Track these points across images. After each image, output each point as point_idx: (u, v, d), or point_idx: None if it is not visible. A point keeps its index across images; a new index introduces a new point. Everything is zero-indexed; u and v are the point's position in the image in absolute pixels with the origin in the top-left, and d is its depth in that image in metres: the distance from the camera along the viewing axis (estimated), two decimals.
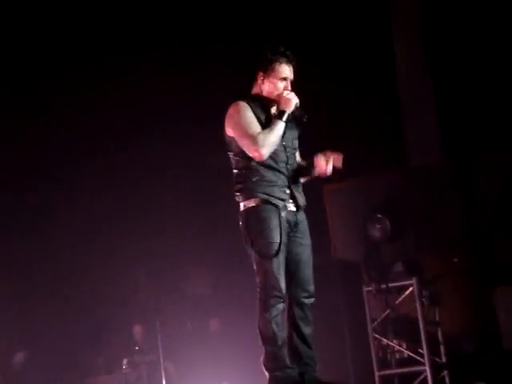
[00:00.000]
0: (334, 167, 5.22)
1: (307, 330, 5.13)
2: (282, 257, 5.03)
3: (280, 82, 5.16)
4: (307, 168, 5.26)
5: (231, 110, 5.14)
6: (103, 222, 10.26)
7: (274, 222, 5.03)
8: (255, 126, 5.08)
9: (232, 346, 9.50)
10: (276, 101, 5.18)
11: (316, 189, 9.44)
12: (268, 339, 4.99)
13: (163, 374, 8.97)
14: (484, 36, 9.92)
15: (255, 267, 5.07)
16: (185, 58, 10.17)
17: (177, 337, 9.88)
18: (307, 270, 5.17)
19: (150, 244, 10.34)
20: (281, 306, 5.02)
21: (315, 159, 5.20)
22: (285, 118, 5.09)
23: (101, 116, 10.36)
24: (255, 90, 5.24)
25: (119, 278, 10.32)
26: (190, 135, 10.21)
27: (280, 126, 5.08)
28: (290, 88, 5.18)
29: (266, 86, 5.18)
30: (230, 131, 5.15)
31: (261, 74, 5.18)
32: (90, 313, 10.30)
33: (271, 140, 5.04)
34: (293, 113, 5.18)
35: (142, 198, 10.32)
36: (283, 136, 5.16)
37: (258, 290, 5.04)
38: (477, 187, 9.64)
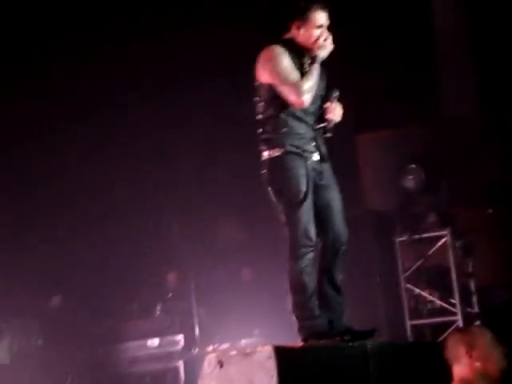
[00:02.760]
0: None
1: (339, 276, 5.16)
2: (309, 205, 5.03)
3: (316, 30, 5.11)
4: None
5: (267, 55, 5.08)
6: (138, 170, 10.31)
7: (301, 171, 5.05)
8: (295, 73, 5.06)
9: (263, 294, 9.57)
10: (310, 49, 5.13)
11: (349, 139, 9.41)
12: (298, 289, 5.02)
13: (196, 320, 9.07)
14: None
15: (283, 217, 5.07)
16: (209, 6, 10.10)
17: (210, 285, 9.95)
18: (339, 216, 5.17)
19: (183, 193, 10.38)
20: (311, 254, 5.03)
21: (328, 106, 5.17)
22: (318, 62, 5.06)
23: (120, 64, 10.34)
24: (287, 36, 5.19)
25: (152, 225, 10.40)
26: (216, 84, 10.15)
27: (316, 71, 5.06)
28: (325, 34, 5.13)
29: (301, 35, 5.12)
30: (264, 77, 5.09)
31: (297, 22, 5.12)
32: (123, 259, 10.40)
33: (310, 86, 5.02)
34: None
35: (174, 147, 10.33)
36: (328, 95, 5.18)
37: (288, 239, 5.04)
38: (510, 137, 9.54)
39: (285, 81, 5.01)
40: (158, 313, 9.65)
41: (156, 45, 10.24)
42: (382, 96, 9.63)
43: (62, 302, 10.32)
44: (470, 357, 4.18)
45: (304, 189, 5.02)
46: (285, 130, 5.07)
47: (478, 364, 4.18)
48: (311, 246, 5.03)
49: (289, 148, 5.05)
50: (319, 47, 5.08)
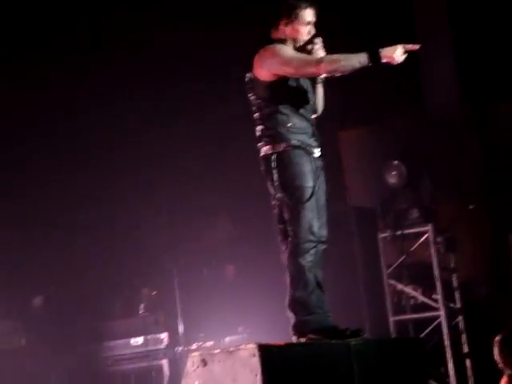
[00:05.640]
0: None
1: (320, 274, 5.12)
2: (314, 201, 5.02)
3: (305, 27, 5.15)
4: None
5: (270, 52, 5.07)
6: (120, 170, 10.28)
7: (307, 167, 5.02)
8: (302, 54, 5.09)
9: (247, 291, 9.57)
10: (298, 41, 5.16)
11: (331, 135, 9.40)
12: (299, 285, 4.99)
13: (180, 318, 9.06)
14: None
15: (288, 213, 5.03)
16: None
17: (193, 283, 9.93)
18: (324, 215, 5.16)
19: (168, 192, 10.36)
20: (314, 250, 5.01)
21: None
22: (368, 62, 4.98)
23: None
24: (277, 36, 5.19)
25: (136, 224, 10.38)
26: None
27: (360, 61, 4.97)
28: (313, 31, 5.16)
29: (289, 32, 5.15)
30: (268, 73, 5.06)
31: (284, 20, 5.13)
32: (106, 258, 10.38)
33: (340, 61, 4.98)
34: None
35: (161, 143, 10.30)
36: (315, 82, 5.18)
37: (292, 235, 5.02)
38: (493, 134, 9.58)
39: (299, 62, 5.01)
40: (142, 311, 9.63)
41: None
42: (365, 92, 9.63)
43: (43, 303, 10.29)
44: None
45: (311, 185, 5.00)
46: (289, 125, 5.04)
47: None
48: (315, 242, 5.01)
49: (295, 143, 5.02)
50: (391, 52, 5.04)
